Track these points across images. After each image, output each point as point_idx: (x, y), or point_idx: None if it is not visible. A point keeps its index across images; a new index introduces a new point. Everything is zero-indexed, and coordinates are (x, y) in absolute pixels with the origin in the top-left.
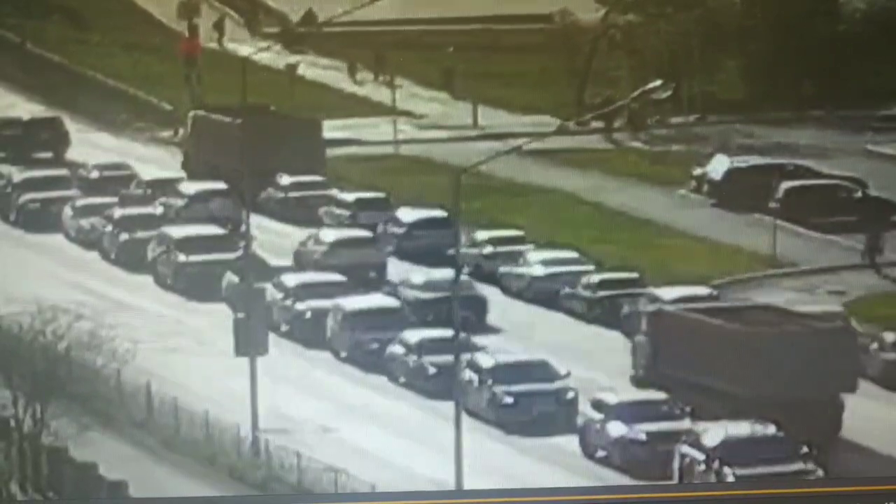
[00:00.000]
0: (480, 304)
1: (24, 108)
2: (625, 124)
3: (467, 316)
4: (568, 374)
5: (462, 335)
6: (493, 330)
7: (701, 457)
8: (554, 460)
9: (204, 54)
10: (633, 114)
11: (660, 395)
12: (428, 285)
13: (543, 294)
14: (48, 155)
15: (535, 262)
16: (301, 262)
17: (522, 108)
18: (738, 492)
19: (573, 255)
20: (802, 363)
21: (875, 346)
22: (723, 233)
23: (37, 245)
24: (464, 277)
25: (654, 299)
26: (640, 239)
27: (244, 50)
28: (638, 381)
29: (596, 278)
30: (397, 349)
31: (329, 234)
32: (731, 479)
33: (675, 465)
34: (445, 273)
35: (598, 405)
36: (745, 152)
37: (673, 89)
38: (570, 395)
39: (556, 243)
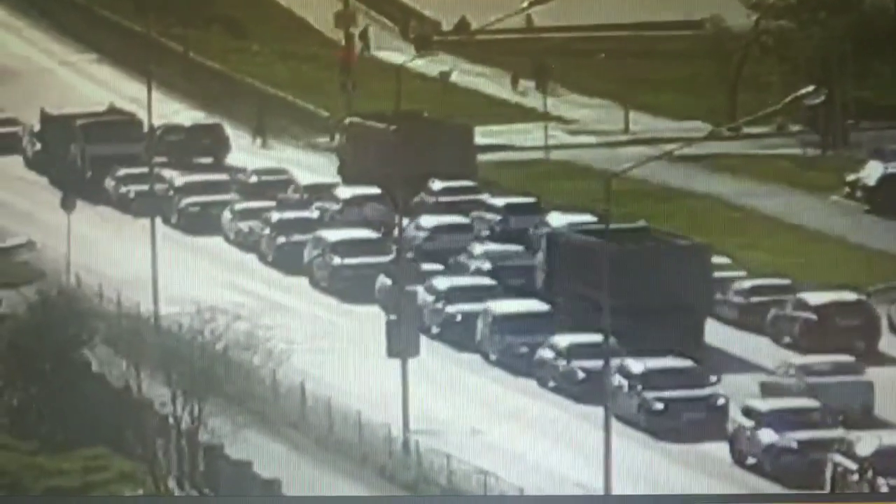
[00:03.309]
0: (531, 272)
1: (187, 115)
2: (821, 129)
3: (522, 284)
4: (718, 381)
5: (612, 340)
6: None
7: (854, 466)
8: (703, 467)
9: (359, 62)
10: (822, 118)
11: (812, 403)
12: (487, 254)
13: None
14: (209, 160)
15: None
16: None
17: (674, 113)
18: (893, 503)
19: (724, 260)
20: (662, 276)
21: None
22: (876, 239)
23: (197, 247)
24: (516, 248)
25: (802, 305)
26: (792, 245)
27: (398, 58)
28: (536, 293)
29: (747, 284)
30: (547, 353)
31: (429, 221)
32: (884, 489)
33: (828, 474)
34: (499, 246)
35: (748, 412)
36: None
37: (826, 95)
38: (721, 401)
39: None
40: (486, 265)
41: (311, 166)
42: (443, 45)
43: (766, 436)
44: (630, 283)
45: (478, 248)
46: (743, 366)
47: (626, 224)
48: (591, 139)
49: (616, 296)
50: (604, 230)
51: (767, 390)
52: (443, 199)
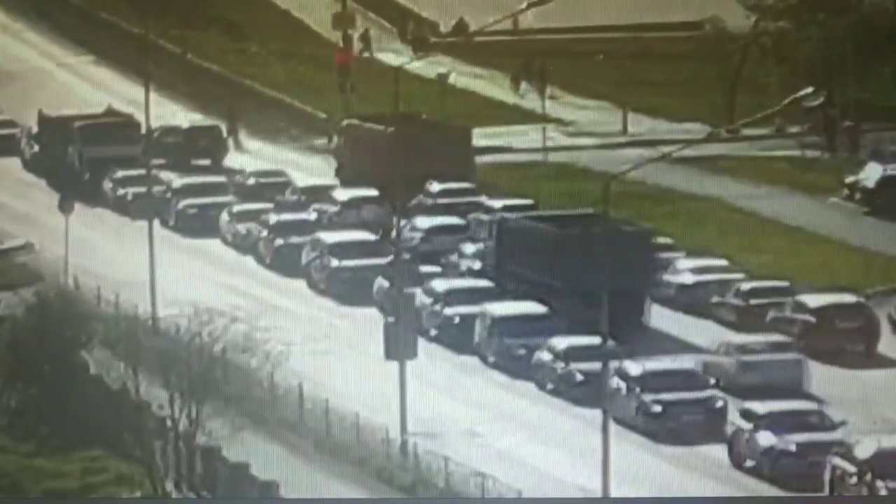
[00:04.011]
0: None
1: (184, 117)
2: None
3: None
4: (716, 384)
5: (610, 342)
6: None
7: (852, 469)
8: (702, 469)
9: (357, 64)
10: (822, 120)
11: (811, 405)
12: (477, 254)
13: (693, 302)
14: (207, 162)
15: (685, 270)
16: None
17: (672, 115)
18: None
19: (723, 262)
20: (606, 260)
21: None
22: (876, 241)
23: (194, 249)
24: (477, 247)
25: (801, 307)
26: (791, 247)
27: (396, 60)
28: (485, 276)
29: (746, 286)
30: (545, 356)
31: (424, 222)
32: (883, 492)
33: (826, 476)
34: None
35: (747, 414)
36: None
37: (825, 97)
38: (719, 403)
39: (705, 251)
40: (477, 265)
41: (308, 168)
42: (441, 47)
43: (765, 438)
44: (574, 267)
45: (469, 248)
46: (683, 347)
47: (572, 211)
48: (590, 141)
49: (561, 278)
50: (552, 216)
51: (709, 369)
52: (441, 200)
